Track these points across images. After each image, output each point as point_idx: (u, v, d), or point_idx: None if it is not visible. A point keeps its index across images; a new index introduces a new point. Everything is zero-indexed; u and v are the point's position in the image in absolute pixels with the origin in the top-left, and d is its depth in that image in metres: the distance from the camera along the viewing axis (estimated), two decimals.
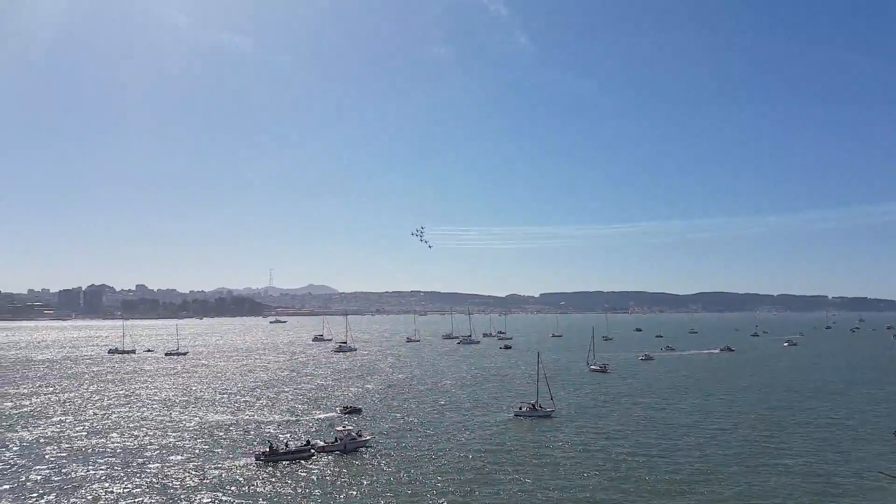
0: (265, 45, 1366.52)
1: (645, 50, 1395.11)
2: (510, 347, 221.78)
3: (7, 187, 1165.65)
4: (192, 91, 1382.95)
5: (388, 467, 57.33)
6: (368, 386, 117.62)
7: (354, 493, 49.77)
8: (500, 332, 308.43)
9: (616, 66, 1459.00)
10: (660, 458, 60.60)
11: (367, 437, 66.76)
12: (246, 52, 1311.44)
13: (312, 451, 62.01)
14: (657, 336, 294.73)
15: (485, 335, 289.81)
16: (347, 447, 63.04)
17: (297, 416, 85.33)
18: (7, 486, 51.37)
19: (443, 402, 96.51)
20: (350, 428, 67.59)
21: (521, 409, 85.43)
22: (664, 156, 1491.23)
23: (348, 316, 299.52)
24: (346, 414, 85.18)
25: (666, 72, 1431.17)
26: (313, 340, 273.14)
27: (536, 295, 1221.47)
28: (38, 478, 54.11)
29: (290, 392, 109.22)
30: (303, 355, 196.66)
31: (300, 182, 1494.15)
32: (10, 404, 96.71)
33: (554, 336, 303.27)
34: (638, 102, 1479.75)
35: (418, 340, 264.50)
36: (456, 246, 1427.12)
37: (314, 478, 54.34)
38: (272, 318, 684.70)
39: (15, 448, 65.69)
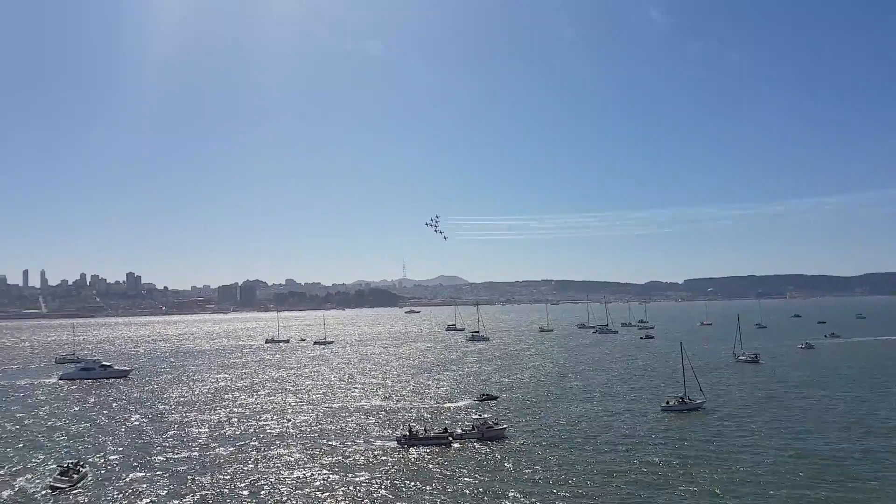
0: (396, 48, 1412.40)
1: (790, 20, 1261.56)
2: (651, 337, 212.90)
3: (169, 195, 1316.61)
4: (330, 94, 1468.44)
5: (524, 457, 57.59)
6: (503, 375, 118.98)
7: (490, 480, 50.57)
8: (641, 322, 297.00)
9: (765, 34, 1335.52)
10: (854, 461, 53.41)
11: (504, 426, 67.79)
12: (378, 55, 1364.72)
13: (450, 437, 64.09)
14: (819, 322, 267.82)
15: (623, 324, 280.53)
16: (485, 435, 64.50)
17: (435, 402, 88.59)
18: (163, 459, 59.16)
19: (579, 393, 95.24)
20: (486, 416, 69.15)
21: (668, 402, 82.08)
22: (825, 125, 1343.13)
23: (479, 306, 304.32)
24: (482, 401, 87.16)
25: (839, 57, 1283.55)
26: (447, 330, 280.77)
27: (680, 281, 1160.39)
28: (198, 455, 61.32)
29: (428, 379, 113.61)
30: (438, 344, 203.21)
31: (431, 180, 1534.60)
32: (183, 389, 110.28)
33: (702, 325, 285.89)
34: (796, 72, 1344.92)
35: (551, 330, 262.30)
36: (588, 233, 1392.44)
37: (451, 463, 56.01)
38: (407, 309, 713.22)
39: (187, 427, 74.95)
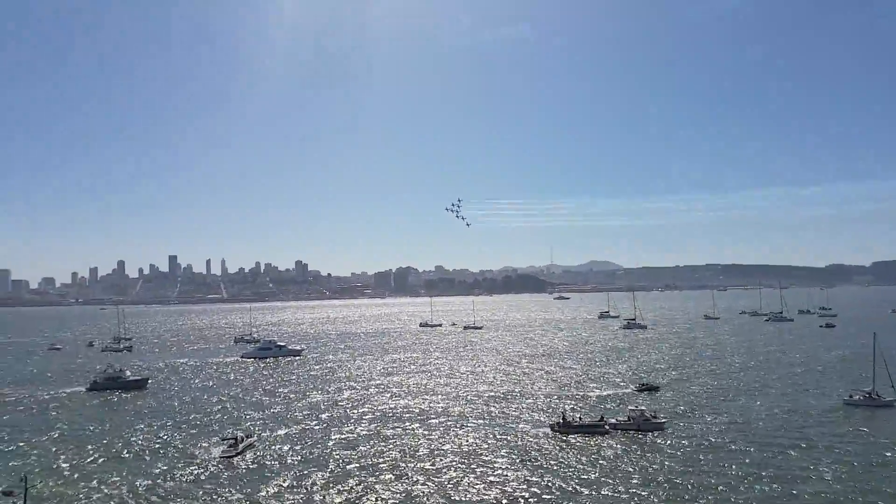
0: (542, 32, 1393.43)
1: None
2: (833, 326, 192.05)
3: (330, 190, 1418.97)
4: (479, 83, 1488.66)
5: (683, 452, 55.55)
6: (664, 365, 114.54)
7: (646, 473, 49.61)
8: (822, 308, 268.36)
9: None
10: None
11: (663, 420, 65.68)
12: (527, 39, 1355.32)
13: (606, 426, 63.64)
14: None
15: (800, 312, 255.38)
16: (641, 427, 63.03)
17: (589, 390, 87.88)
18: (327, 437, 64.65)
19: (748, 386, 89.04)
20: (643, 408, 67.46)
21: (852, 396, 74.35)
22: None
23: (635, 292, 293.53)
24: (641, 391, 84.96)
25: None
26: (599, 317, 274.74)
27: (867, 264, 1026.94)
28: (358, 432, 66.42)
29: (582, 366, 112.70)
30: (590, 331, 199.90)
31: (583, 162, 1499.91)
32: (349, 368, 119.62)
33: (895, 312, 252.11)
34: None
35: (717, 318, 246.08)
36: (758, 214, 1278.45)
37: (606, 453, 55.64)
38: (556, 295, 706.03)
39: (351, 404, 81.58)
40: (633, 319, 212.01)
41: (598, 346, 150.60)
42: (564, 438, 60.47)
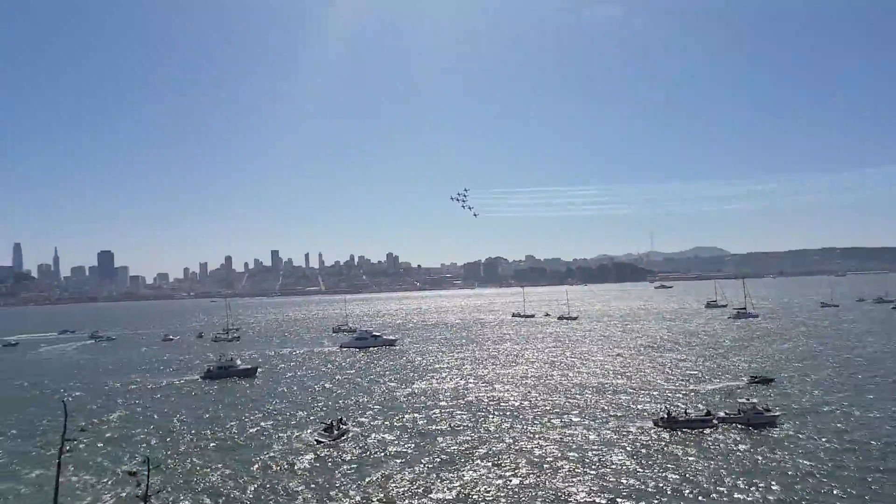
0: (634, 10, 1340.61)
1: None
2: None
3: (420, 184, 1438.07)
4: (576, 64, 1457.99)
5: (799, 450, 52.06)
6: (776, 356, 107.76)
7: (759, 470, 47.08)
8: None
9: None
10: None
11: (777, 413, 62.01)
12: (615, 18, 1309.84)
13: (714, 420, 60.91)
14: None
15: None
16: (751, 421, 59.77)
17: (696, 383, 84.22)
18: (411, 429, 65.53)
19: (874, 381, 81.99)
20: (754, 401, 63.82)
21: None
22: None
23: (745, 279, 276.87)
24: (754, 384, 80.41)
25: None
26: (706, 306, 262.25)
27: None
28: (450, 420, 67.11)
29: (687, 358, 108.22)
30: (696, 321, 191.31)
31: (684, 143, 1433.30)
32: (442, 357, 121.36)
33: None
34: None
35: (836, 305, 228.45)
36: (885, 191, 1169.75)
37: (714, 449, 53.31)
38: (657, 284, 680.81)
39: (444, 394, 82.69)
40: (744, 308, 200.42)
41: (704, 338, 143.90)
42: (670, 433, 58.37)
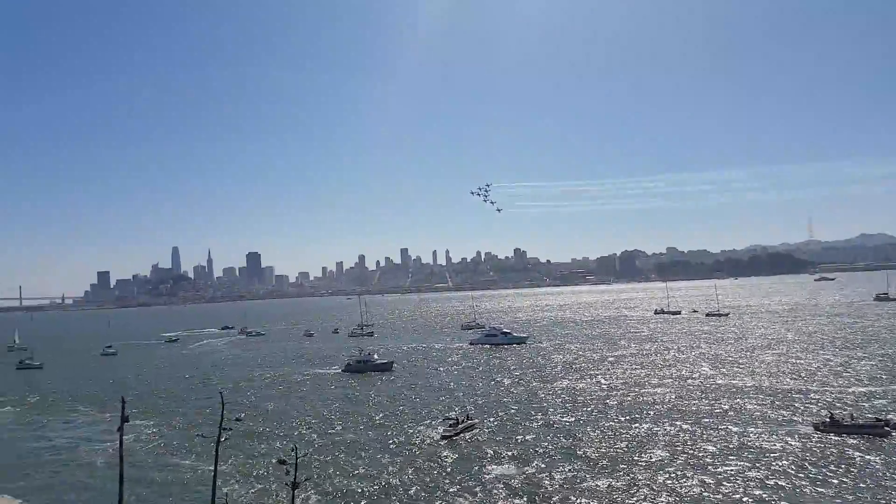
0: None
1: None
2: None
3: (541, 171, 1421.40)
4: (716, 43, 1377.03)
5: None
6: None
7: None
8: None
9: None
10: None
11: None
12: None
13: (886, 427, 54.84)
14: None
15: None
16: None
17: (862, 385, 76.21)
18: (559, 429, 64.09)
19: None
20: None
21: None
22: None
23: None
24: None
25: None
26: (875, 299, 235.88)
27: None
28: (573, 419, 65.44)
29: (851, 358, 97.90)
30: (863, 318, 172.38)
31: (842, 121, 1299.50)
32: (572, 356, 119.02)
33: None
34: None
35: None
36: None
37: (883, 458, 48.35)
38: (817, 276, 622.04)
39: (572, 393, 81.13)
40: None
41: (872, 334, 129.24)
42: (835, 439, 53.27)
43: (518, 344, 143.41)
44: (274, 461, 52.59)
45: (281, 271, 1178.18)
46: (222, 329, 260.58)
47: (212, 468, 42.05)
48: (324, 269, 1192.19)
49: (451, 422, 63.77)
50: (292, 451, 37.75)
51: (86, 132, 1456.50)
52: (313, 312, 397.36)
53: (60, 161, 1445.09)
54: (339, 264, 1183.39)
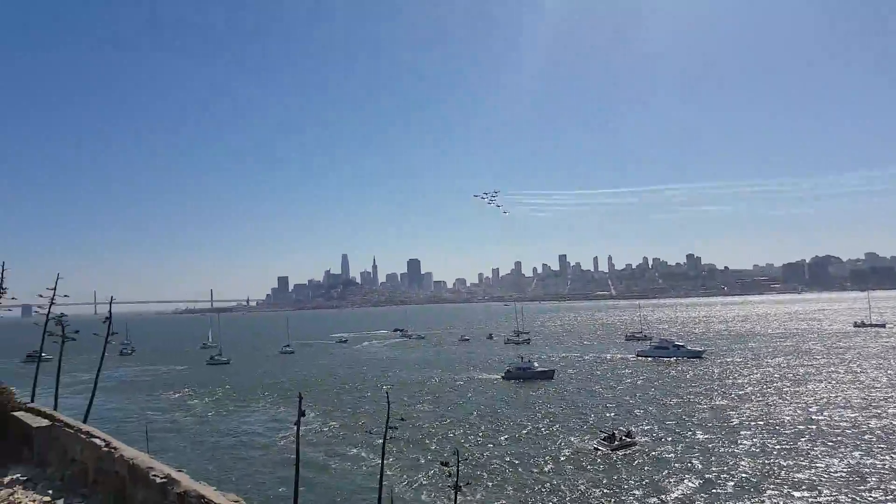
0: None
1: None
2: None
3: (715, 168, 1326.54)
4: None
5: None
6: None
7: None
8: None
9: None
10: None
11: None
12: None
13: None
14: None
15: None
16: None
17: None
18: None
19: None
20: None
21: None
22: None
23: None
24: None
25: None
26: None
27: None
28: (739, 445, 58.81)
29: None
30: None
31: None
32: (754, 373, 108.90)
33: None
34: None
35: None
36: None
37: None
38: None
39: (740, 411, 73.81)
40: None
41: None
42: None
43: (692, 358, 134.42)
44: (437, 462, 53.75)
45: (439, 277, 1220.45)
46: (394, 332, 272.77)
47: (377, 462, 43.77)
48: (480, 275, 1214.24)
49: (606, 435, 62.41)
50: (454, 454, 38.13)
51: (277, 155, 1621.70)
52: (469, 318, 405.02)
53: (251, 180, 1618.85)
54: (496, 271, 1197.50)
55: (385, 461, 40.16)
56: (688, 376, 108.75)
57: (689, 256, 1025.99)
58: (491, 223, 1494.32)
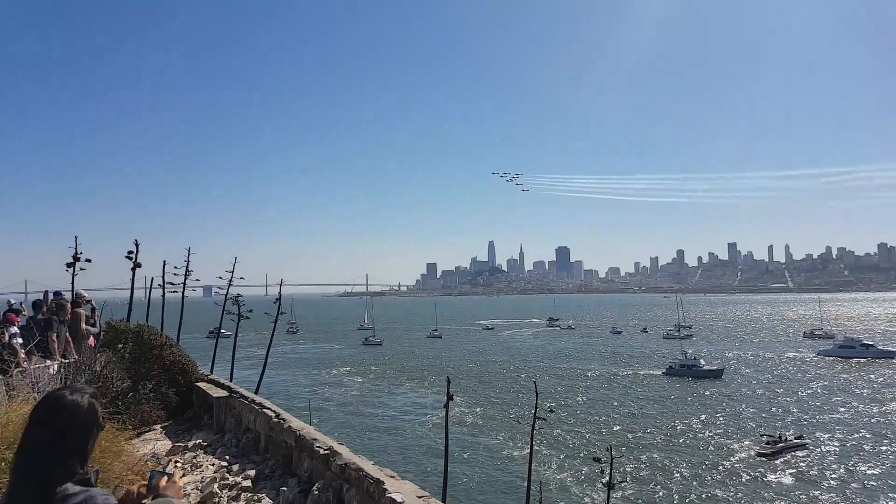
0: None
1: None
2: None
3: None
4: None
5: None
6: None
7: None
8: None
9: None
10: None
11: None
12: None
13: None
14: None
15: None
16: None
17: None
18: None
19: None
20: None
21: None
22: None
23: None
24: None
25: None
26: None
27: None
28: None
29: None
30: None
31: None
32: None
33: None
34: None
35: None
36: None
37: None
38: None
39: None
40: None
41: None
42: None
43: (884, 359, 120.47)
44: (588, 457, 53.22)
45: (590, 266, 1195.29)
46: (548, 321, 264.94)
47: (522, 451, 43.92)
48: (636, 264, 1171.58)
49: (769, 439, 59.48)
50: (608, 450, 37.50)
51: (431, 148, 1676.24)
52: (622, 309, 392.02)
53: (408, 173, 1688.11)
54: (654, 260, 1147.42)
55: (533, 451, 40.44)
56: (873, 378, 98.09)
57: (882, 245, 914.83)
58: (648, 209, 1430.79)
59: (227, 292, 47.45)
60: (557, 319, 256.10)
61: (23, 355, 14.18)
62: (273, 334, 51.13)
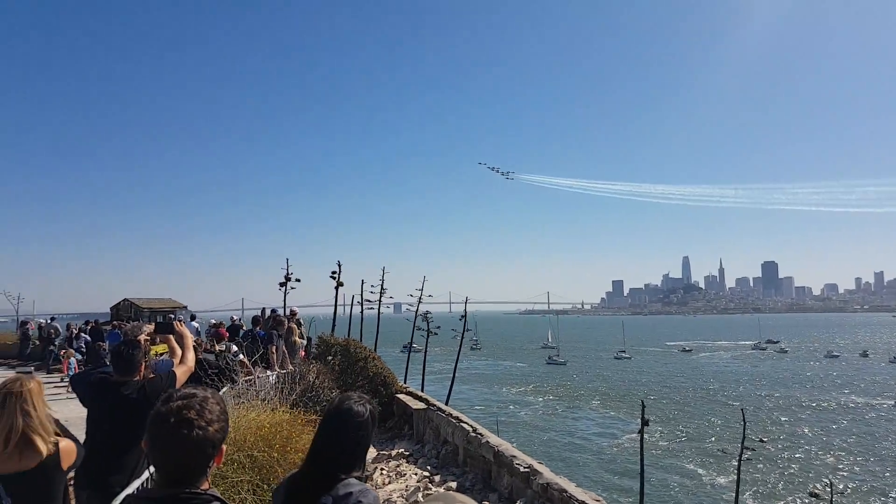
0: None
1: None
2: None
3: None
4: None
5: None
6: None
7: None
8: None
9: None
10: None
11: None
12: None
13: None
14: None
15: None
16: None
17: None
18: None
19: None
20: None
21: None
22: None
23: None
24: None
25: None
26: None
27: None
28: None
29: None
30: None
31: None
32: None
33: None
34: None
35: None
36: None
37: None
38: None
39: None
40: None
41: None
42: None
43: None
44: (804, 492, 48.44)
45: (802, 282, 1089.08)
46: (763, 343, 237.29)
47: (724, 483, 40.85)
48: (857, 280, 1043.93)
49: None
50: (828, 486, 34.02)
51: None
52: (839, 330, 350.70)
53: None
54: (879, 275, 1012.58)
55: (740, 481, 37.63)
56: None
57: None
58: (870, 220, 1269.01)
59: (417, 309, 49.87)
60: (778, 342, 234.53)
61: (249, 367, 16.26)
62: (460, 350, 52.71)
